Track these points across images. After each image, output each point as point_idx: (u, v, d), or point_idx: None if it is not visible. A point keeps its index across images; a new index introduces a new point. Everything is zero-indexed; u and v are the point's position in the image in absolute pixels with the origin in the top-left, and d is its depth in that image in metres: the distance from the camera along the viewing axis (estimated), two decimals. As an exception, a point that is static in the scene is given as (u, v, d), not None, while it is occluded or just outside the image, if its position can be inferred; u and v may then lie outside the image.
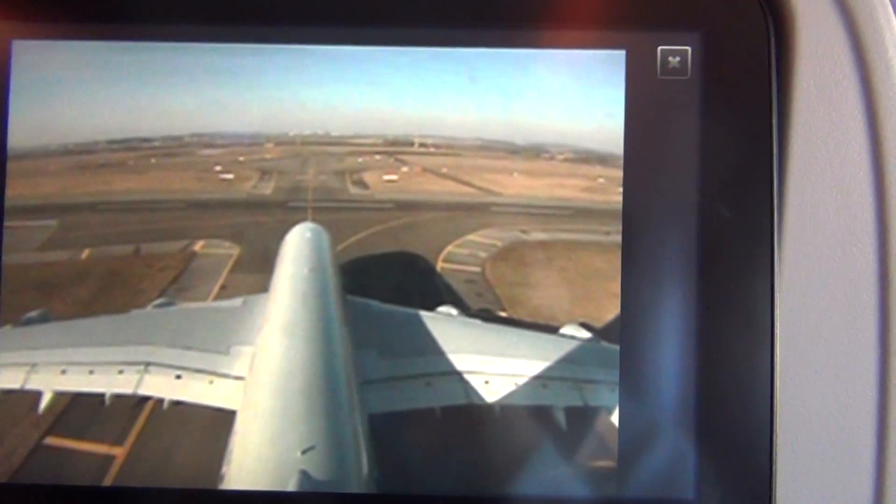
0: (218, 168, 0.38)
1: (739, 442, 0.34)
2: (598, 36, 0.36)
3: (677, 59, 0.35)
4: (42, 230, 0.37)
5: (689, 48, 0.35)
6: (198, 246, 0.40)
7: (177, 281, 0.39)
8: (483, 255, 0.40)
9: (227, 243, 0.40)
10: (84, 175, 0.38)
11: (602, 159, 0.36)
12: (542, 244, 0.38)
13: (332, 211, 0.40)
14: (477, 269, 0.40)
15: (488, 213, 0.39)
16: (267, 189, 0.39)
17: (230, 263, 0.40)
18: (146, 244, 0.39)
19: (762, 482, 0.34)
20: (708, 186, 0.35)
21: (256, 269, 0.40)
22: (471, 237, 0.40)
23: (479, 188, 0.39)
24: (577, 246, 0.37)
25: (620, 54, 0.35)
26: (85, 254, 0.38)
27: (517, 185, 0.38)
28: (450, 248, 0.40)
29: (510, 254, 0.39)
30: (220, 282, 0.40)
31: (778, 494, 0.34)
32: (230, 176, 0.38)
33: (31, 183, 0.37)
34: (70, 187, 0.38)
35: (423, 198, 0.40)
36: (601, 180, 0.36)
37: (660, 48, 0.35)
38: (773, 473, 0.34)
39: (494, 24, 0.36)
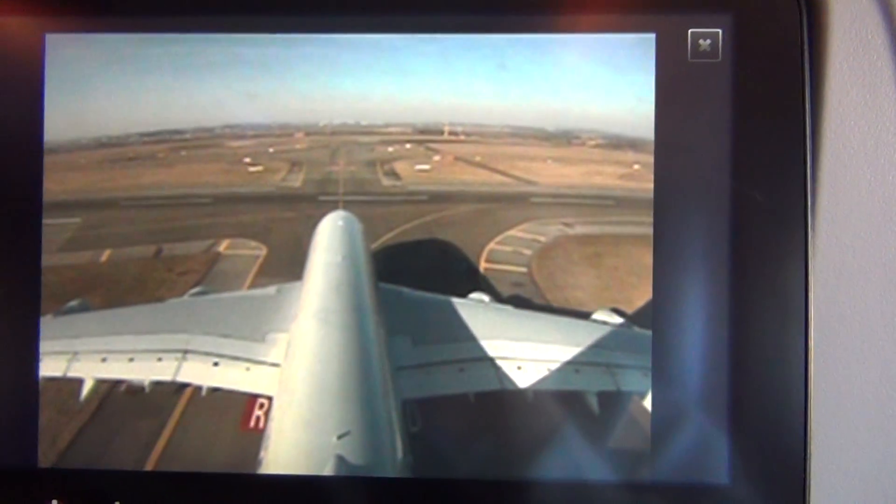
0: (247, 160, 0.38)
1: (773, 426, 0.34)
2: (627, 20, 0.35)
3: (708, 41, 0.35)
4: (65, 228, 0.37)
5: (719, 31, 0.35)
6: (222, 246, 0.39)
7: (197, 287, 0.39)
8: (528, 252, 0.38)
9: (253, 243, 0.39)
10: (114, 169, 0.38)
11: (633, 144, 0.36)
12: (588, 239, 0.37)
13: (363, 205, 0.39)
14: (523, 269, 0.39)
15: (527, 205, 0.38)
16: (296, 181, 0.39)
17: (256, 267, 0.39)
18: (169, 244, 0.38)
19: (796, 465, 0.34)
20: (740, 170, 0.35)
21: (285, 272, 0.39)
22: (512, 233, 0.39)
23: (515, 177, 0.38)
24: (625, 240, 0.36)
25: (650, 38, 0.35)
26: (105, 256, 0.38)
27: (552, 173, 0.37)
28: (491, 245, 0.39)
29: (556, 251, 0.37)
30: (245, 288, 0.39)
31: (813, 478, 0.34)
32: (259, 168, 0.38)
33: (61, 178, 0.37)
34: (98, 182, 0.38)
35: (458, 189, 0.39)
36: (637, 167, 0.36)
37: (690, 31, 0.35)
38: (807, 457, 0.34)
39: (523, 10, 0.36)
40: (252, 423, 0.38)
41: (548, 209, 0.37)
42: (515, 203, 0.38)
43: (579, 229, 0.37)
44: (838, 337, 0.34)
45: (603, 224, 0.37)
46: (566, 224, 0.38)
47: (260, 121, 0.37)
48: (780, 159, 0.34)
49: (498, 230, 0.39)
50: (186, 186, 0.38)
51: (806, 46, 0.35)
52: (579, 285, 0.37)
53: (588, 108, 0.36)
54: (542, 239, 0.38)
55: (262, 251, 0.39)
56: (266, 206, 0.39)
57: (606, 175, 0.37)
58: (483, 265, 0.39)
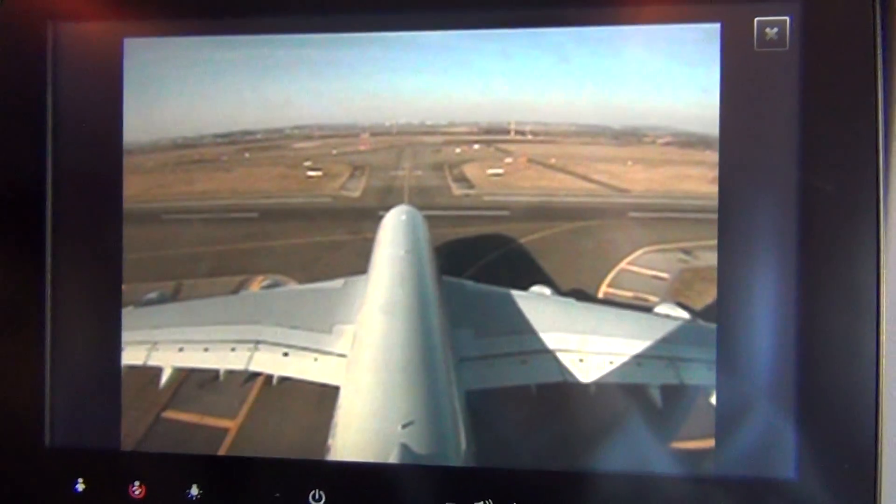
0: (307, 163, 0.38)
1: (842, 420, 0.33)
2: (692, 9, 0.35)
3: (775, 30, 0.34)
4: None
5: (787, 18, 0.34)
6: (252, 286, 0.37)
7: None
8: (653, 300, 0.32)
9: (292, 283, 0.36)
10: (174, 173, 0.38)
11: (706, 142, 0.35)
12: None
13: (431, 222, 0.35)
14: None
15: (628, 223, 0.33)
16: (356, 190, 0.37)
17: None
18: (189, 281, 0.36)
19: (867, 461, 0.33)
20: (809, 161, 0.34)
21: None
22: (625, 267, 0.32)
23: (600, 183, 0.34)
24: None
25: (715, 28, 0.35)
26: None
27: (639, 178, 0.34)
28: (604, 288, 0.33)
29: (687, 295, 0.31)
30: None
31: (884, 474, 0.33)
32: (318, 173, 0.37)
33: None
34: (148, 191, 0.37)
35: (541, 200, 0.33)
36: None
37: (757, 19, 0.34)
38: (878, 452, 0.33)
39: (584, 2, 0.36)
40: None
41: (654, 229, 0.33)
42: (614, 220, 0.33)
43: (703, 258, 0.31)
44: (912, 331, 0.33)
45: None
46: (685, 251, 0.32)
47: (327, 121, 0.38)
48: (851, 150, 0.34)
49: (606, 264, 0.32)
50: (238, 196, 0.37)
51: (879, 32, 0.34)
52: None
53: (653, 102, 0.36)
54: (665, 276, 0.32)
55: None
56: (317, 224, 0.35)
57: (696, 179, 0.34)
58: None
